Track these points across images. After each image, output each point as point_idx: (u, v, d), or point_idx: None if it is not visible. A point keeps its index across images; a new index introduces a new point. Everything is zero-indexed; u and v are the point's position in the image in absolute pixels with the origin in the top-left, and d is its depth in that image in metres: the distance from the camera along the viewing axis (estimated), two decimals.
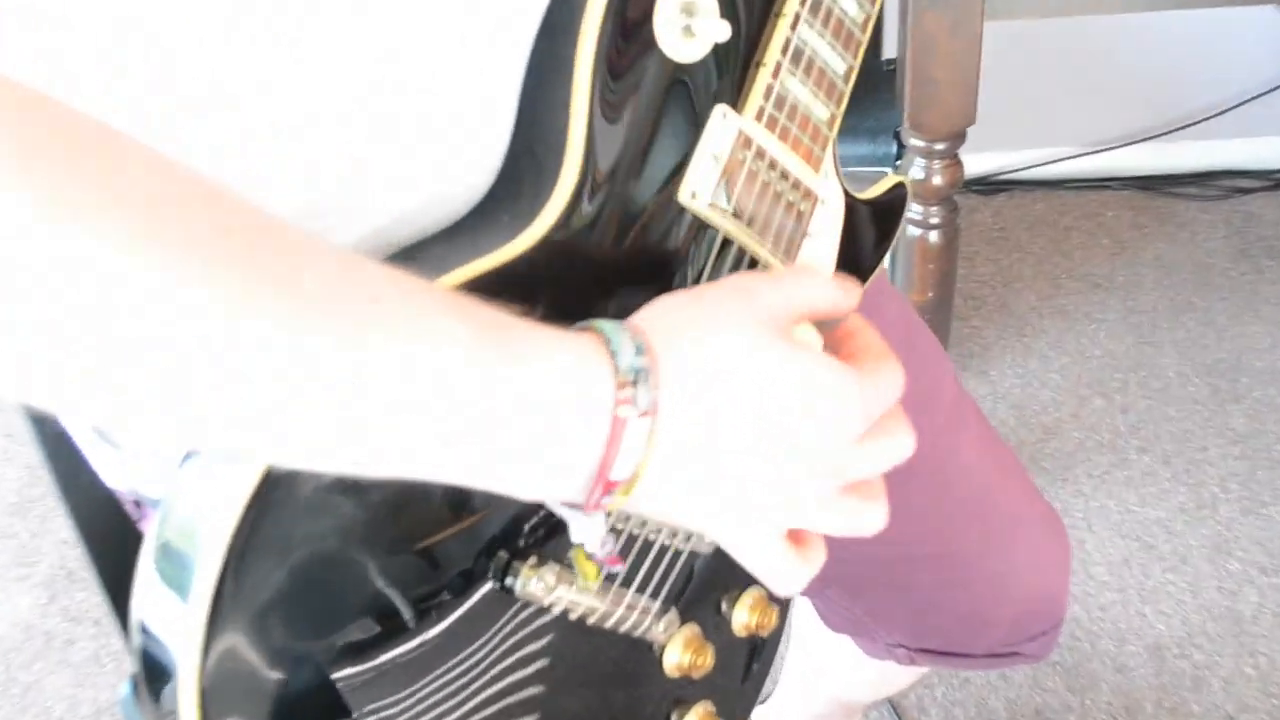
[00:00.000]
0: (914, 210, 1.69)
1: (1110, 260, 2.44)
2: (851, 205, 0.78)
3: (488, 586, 0.62)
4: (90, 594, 1.98)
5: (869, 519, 0.60)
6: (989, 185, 2.64)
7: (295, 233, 0.47)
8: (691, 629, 0.73)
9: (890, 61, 2.03)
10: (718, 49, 0.64)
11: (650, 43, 0.62)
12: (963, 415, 1.03)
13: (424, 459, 0.50)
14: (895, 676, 1.23)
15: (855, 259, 0.80)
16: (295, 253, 0.46)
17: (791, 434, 0.55)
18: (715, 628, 0.75)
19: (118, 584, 0.65)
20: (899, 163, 1.81)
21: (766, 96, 0.67)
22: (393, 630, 0.59)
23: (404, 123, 0.60)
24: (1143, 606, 1.75)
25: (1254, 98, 2.53)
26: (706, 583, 0.75)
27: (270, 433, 0.46)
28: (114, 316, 0.41)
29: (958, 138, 1.63)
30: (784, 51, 0.67)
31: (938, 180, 1.65)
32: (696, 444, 0.54)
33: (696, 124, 0.65)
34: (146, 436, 0.55)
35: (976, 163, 2.54)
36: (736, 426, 0.54)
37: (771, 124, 0.68)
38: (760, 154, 0.67)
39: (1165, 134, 2.59)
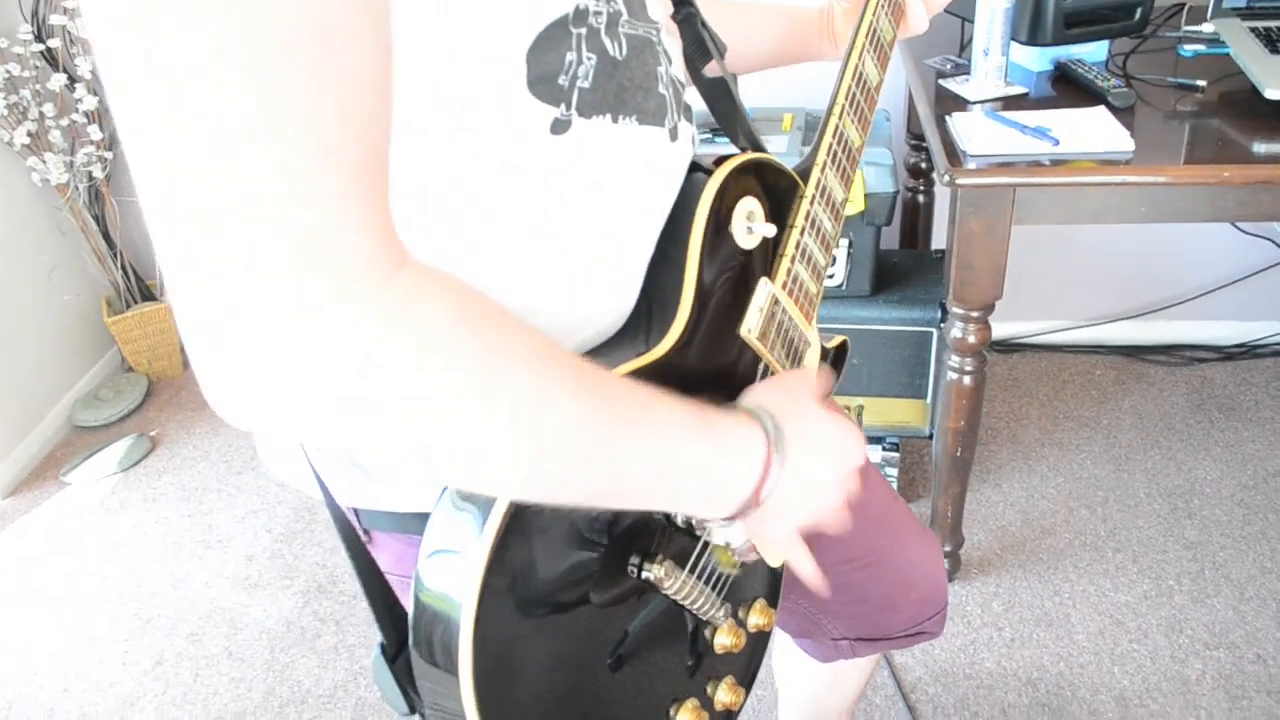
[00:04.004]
0: (953, 360, 1.75)
1: (1097, 407, 2.54)
2: (824, 351, 0.92)
3: (631, 574, 0.71)
4: (333, 601, 2.11)
5: (846, 520, 0.75)
6: (1007, 347, 2.77)
7: (599, 368, 0.57)
8: (731, 621, 0.81)
9: (938, 251, 2.25)
10: (765, 242, 0.78)
11: (728, 236, 0.75)
12: (867, 462, 1.15)
13: (661, 502, 0.63)
14: (850, 680, 1.32)
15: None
16: (609, 383, 0.57)
17: (831, 471, 0.70)
18: (741, 625, 0.84)
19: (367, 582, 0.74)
20: (943, 324, 1.91)
21: (788, 274, 0.80)
22: (580, 609, 0.67)
23: (575, 272, 0.69)
24: (1112, 667, 1.84)
25: (1212, 290, 2.67)
26: (735, 594, 0.83)
27: (600, 493, 0.58)
28: (563, 445, 0.53)
29: (988, 308, 1.69)
30: (796, 247, 0.81)
31: (971, 339, 1.71)
32: (795, 479, 0.67)
33: (749, 287, 0.77)
34: (528, 494, 0.57)
35: (998, 329, 2.69)
36: (808, 467, 0.68)
37: (790, 292, 0.81)
38: (783, 310, 0.80)
39: (1142, 314, 2.72)
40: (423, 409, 0.48)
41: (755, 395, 0.72)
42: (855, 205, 1.97)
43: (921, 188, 2.49)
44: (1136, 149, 1.55)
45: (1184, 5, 2.05)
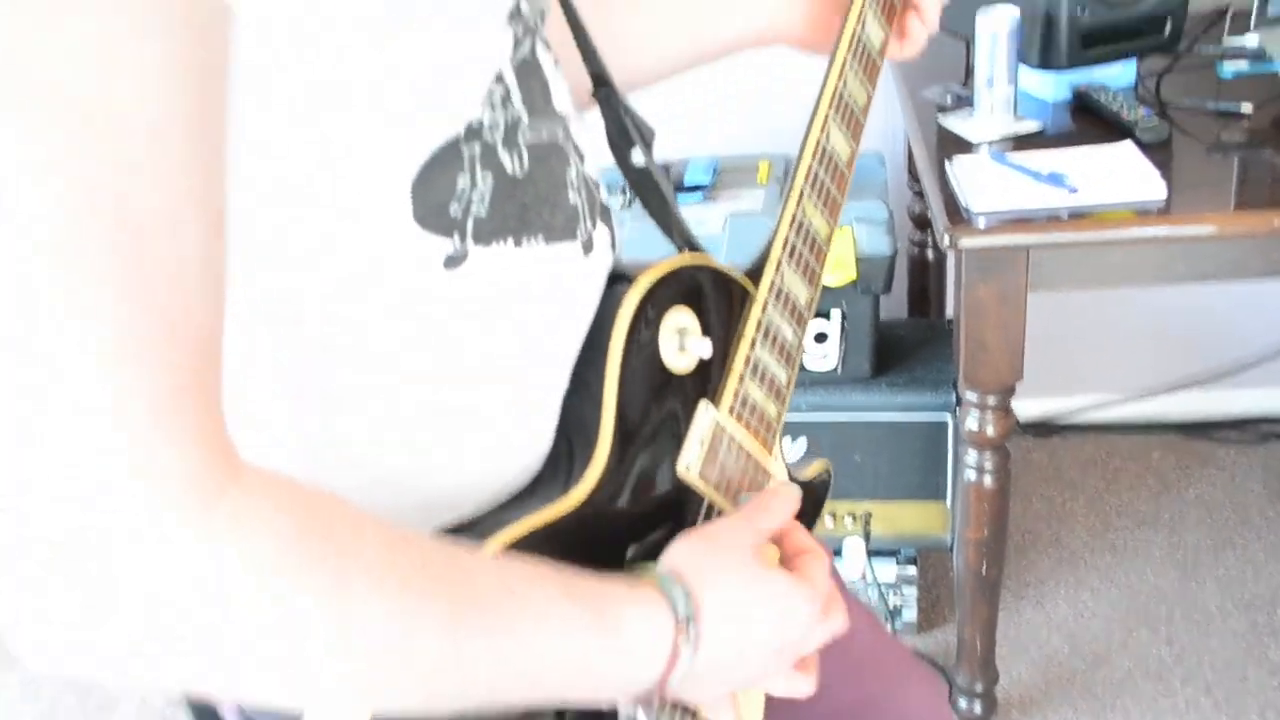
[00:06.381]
0: (970, 456, 1.74)
1: (1156, 500, 2.55)
2: (795, 484, 0.91)
3: None
4: None
5: (806, 685, 0.78)
6: (1045, 429, 2.76)
7: (465, 558, 0.60)
8: None
9: (951, 321, 2.23)
10: (702, 361, 0.80)
11: (655, 357, 0.77)
12: (847, 595, 1.10)
13: (546, 701, 0.64)
14: None
15: None
16: (470, 581, 0.59)
17: (768, 641, 0.73)
18: None
19: None
20: (958, 408, 1.92)
21: (735, 397, 0.83)
22: None
23: (477, 417, 0.72)
24: None
25: None
26: None
27: (462, 701, 0.60)
28: (384, 651, 0.55)
29: (1007, 392, 1.68)
30: (746, 364, 0.83)
31: (990, 431, 1.71)
32: (714, 657, 0.69)
33: (687, 416, 0.80)
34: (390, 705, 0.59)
35: (1032, 407, 2.72)
36: (736, 641, 0.71)
37: (739, 418, 0.83)
38: (731, 440, 0.82)
39: (1204, 382, 2.71)
40: (253, 655, 0.51)
41: (674, 555, 0.73)
42: (846, 273, 1.98)
43: (930, 241, 2.50)
44: (1174, 193, 1.55)
45: (1226, 10, 2.06)
